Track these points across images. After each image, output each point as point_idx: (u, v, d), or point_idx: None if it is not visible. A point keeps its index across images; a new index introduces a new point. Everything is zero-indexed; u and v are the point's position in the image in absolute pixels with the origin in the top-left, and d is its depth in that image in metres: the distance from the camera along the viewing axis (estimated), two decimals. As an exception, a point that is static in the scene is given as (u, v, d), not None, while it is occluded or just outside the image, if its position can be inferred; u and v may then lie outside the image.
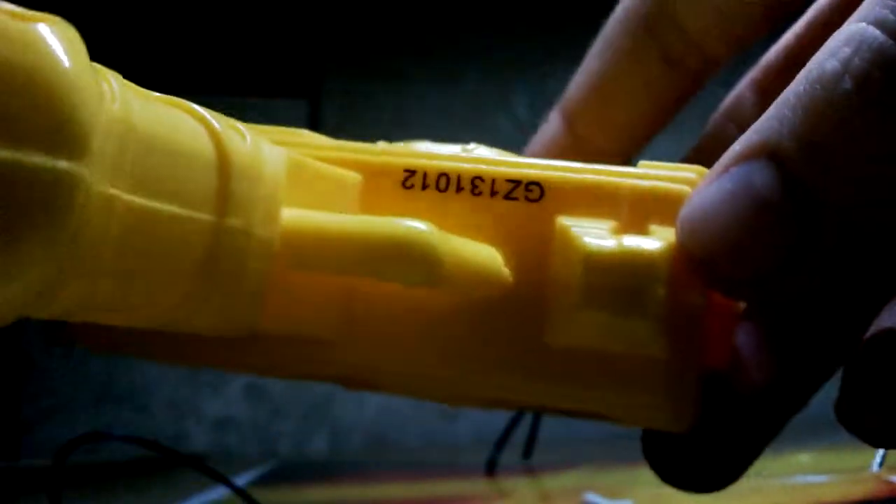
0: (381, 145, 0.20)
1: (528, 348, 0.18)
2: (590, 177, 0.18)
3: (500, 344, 0.18)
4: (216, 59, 1.33)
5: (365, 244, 0.17)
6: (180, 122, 0.16)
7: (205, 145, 0.16)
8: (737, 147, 0.16)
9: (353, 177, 0.19)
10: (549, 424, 0.48)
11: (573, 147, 0.26)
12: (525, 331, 0.18)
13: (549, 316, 0.18)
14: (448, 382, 0.19)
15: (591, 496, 0.33)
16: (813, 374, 0.19)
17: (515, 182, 0.19)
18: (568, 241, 0.17)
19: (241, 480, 0.47)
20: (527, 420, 0.46)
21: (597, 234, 0.17)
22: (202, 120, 0.16)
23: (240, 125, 0.17)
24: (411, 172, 0.19)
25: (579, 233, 0.17)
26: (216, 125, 0.16)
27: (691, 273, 0.17)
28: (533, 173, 0.18)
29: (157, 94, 0.16)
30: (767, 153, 0.16)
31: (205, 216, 0.16)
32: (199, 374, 0.60)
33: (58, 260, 0.13)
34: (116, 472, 0.52)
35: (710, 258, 0.16)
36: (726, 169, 0.16)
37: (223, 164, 0.16)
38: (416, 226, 0.16)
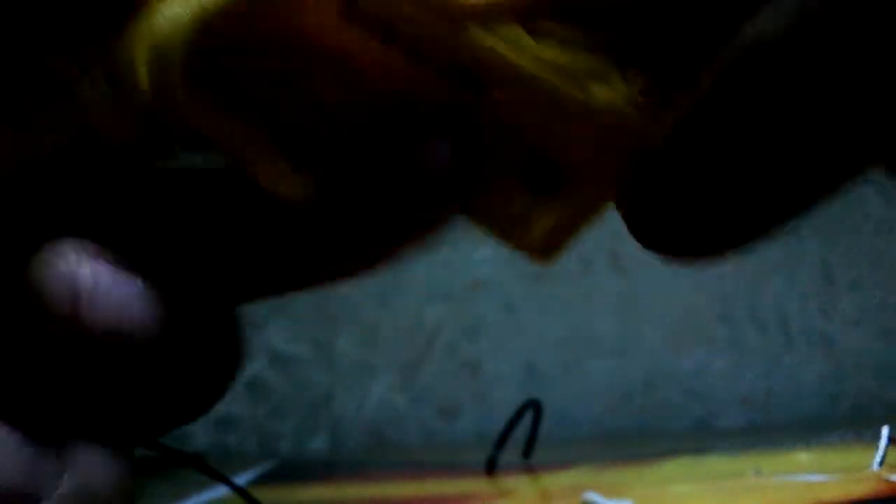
0: None
1: None
2: None
3: None
4: None
5: None
6: None
7: None
8: None
9: None
10: (549, 424, 0.48)
11: None
12: None
13: None
14: None
15: (591, 496, 0.33)
16: None
17: None
18: None
19: (241, 479, 0.47)
20: (527, 419, 0.46)
21: None
22: None
23: None
24: None
25: None
26: None
27: None
28: None
29: None
30: None
31: None
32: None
33: None
34: (116, 472, 0.51)
35: None
36: None
37: None
38: None
